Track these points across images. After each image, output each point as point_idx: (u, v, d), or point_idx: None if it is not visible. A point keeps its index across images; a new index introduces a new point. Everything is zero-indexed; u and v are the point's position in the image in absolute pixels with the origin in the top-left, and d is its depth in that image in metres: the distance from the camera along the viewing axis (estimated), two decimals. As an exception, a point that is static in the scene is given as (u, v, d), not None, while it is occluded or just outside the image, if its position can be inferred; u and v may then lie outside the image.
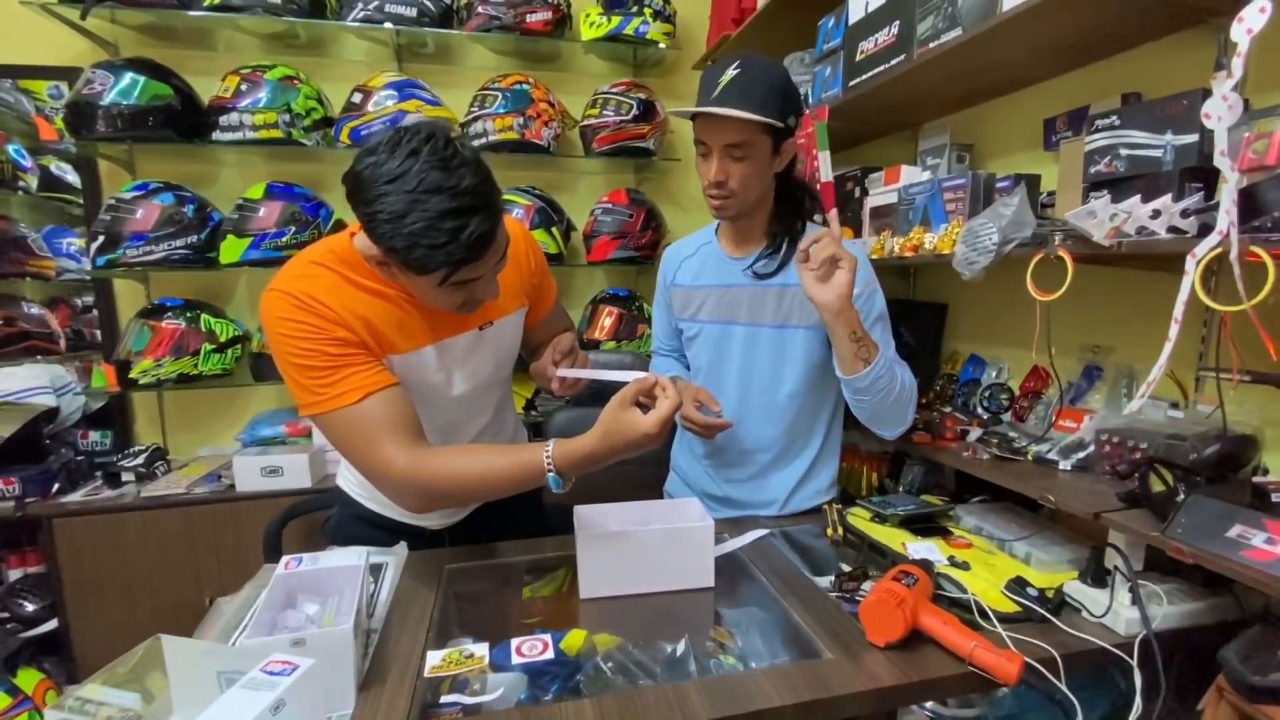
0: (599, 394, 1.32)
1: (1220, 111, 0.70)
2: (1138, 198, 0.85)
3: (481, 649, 0.88)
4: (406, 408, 0.96)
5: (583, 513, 1.08)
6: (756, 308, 1.23)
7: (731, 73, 1.07)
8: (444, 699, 0.80)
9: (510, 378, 1.26)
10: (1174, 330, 0.76)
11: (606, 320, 2.27)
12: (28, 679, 1.74)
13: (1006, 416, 1.39)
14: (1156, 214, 0.83)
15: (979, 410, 1.44)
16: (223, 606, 1.08)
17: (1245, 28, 0.67)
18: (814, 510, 1.32)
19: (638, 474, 1.31)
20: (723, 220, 1.24)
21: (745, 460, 1.29)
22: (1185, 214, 0.82)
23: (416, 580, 1.07)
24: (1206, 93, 0.88)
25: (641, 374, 0.94)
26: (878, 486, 1.76)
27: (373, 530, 1.21)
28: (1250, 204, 0.71)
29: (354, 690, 0.78)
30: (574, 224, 2.33)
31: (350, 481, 1.24)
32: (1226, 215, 0.70)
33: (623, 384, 0.94)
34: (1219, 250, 0.71)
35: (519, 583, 1.14)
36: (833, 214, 1.03)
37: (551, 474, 0.90)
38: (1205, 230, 0.82)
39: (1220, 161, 0.70)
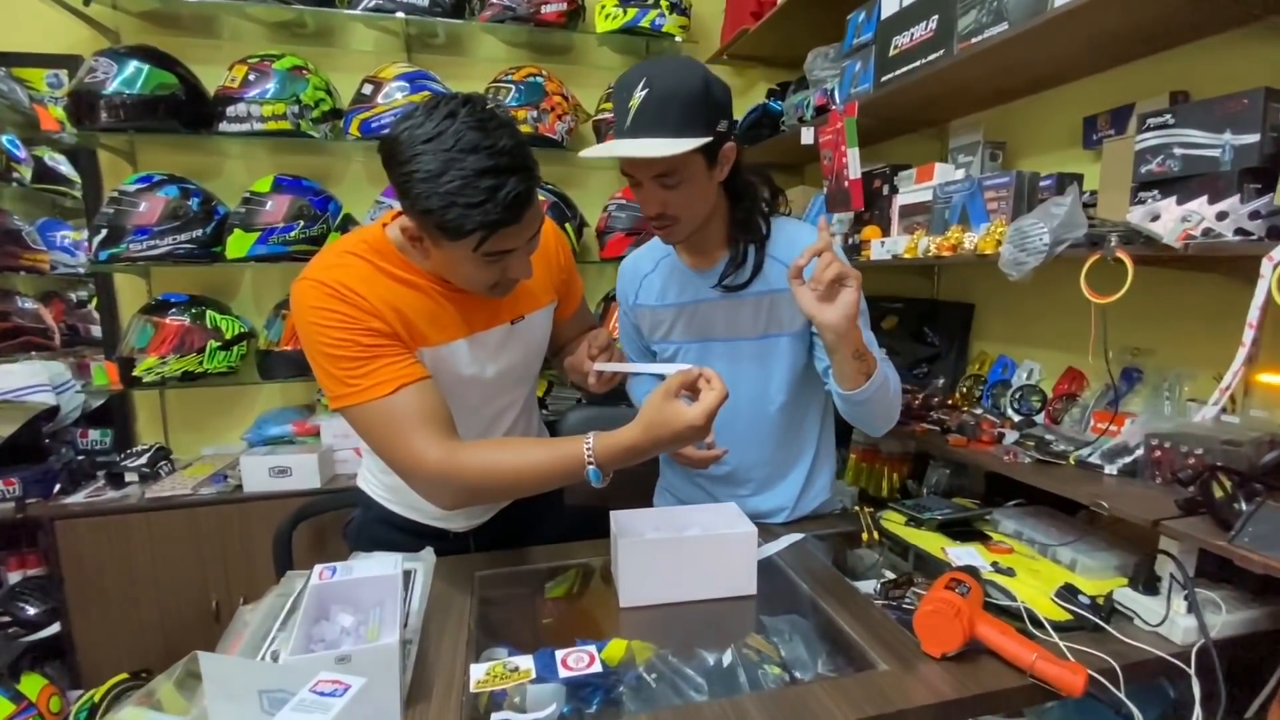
0: (616, 392, 1.29)
1: (1306, 110, 0.67)
2: (1203, 199, 0.83)
3: (526, 662, 0.85)
4: (439, 401, 0.94)
5: (620, 518, 1.05)
6: (733, 320, 1.16)
7: (639, 95, 0.95)
8: (493, 717, 0.77)
9: (537, 375, 1.24)
10: (1249, 335, 0.74)
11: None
12: (31, 685, 1.69)
13: (1039, 418, 1.37)
14: (1223, 216, 0.81)
15: (1009, 412, 1.42)
16: (245, 615, 1.05)
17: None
18: (827, 514, 1.30)
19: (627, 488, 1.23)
20: (672, 243, 1.15)
21: (741, 481, 1.24)
22: (1254, 216, 0.80)
23: (448, 588, 1.04)
24: (1272, 91, 0.87)
25: (683, 366, 0.91)
26: (900, 488, 1.74)
27: (396, 534, 1.18)
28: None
29: (400, 707, 0.75)
30: (586, 220, 2.29)
31: (372, 483, 1.21)
32: (1310, 218, 0.68)
33: (662, 377, 0.91)
34: (1299, 254, 0.69)
35: (553, 597, 1.11)
36: (823, 220, 0.96)
37: (592, 466, 0.87)
38: (1275, 233, 0.80)
39: (1305, 162, 0.68)
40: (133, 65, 1.77)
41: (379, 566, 0.92)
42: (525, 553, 1.17)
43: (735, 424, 1.18)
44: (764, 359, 1.17)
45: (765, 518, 1.26)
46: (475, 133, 0.80)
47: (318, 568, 0.91)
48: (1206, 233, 0.82)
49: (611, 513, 1.06)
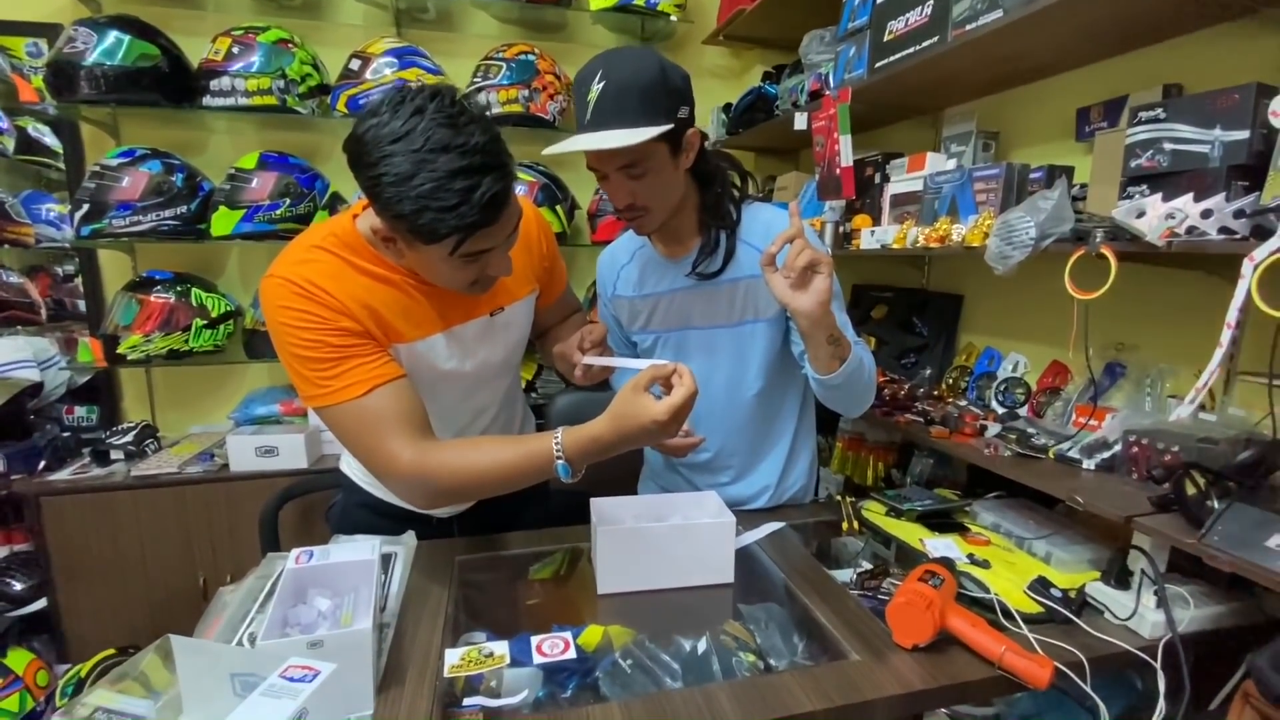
0: (605, 380, 1.29)
1: (1292, 110, 0.66)
2: (1189, 196, 0.82)
3: (501, 647, 0.86)
4: (413, 400, 0.92)
5: (600, 505, 1.06)
6: (709, 309, 1.16)
7: (596, 88, 0.94)
8: (466, 701, 0.78)
9: (520, 365, 1.23)
10: (1227, 336, 0.74)
11: (610, 302, 2.22)
12: (18, 659, 1.70)
13: (1022, 411, 1.37)
14: (1208, 214, 0.80)
15: (993, 404, 1.42)
16: (225, 596, 1.05)
17: (1327, 21, 0.63)
18: (808, 502, 1.30)
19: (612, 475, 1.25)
20: (645, 234, 1.15)
21: (718, 467, 1.25)
22: (1238, 215, 0.79)
23: (427, 572, 1.05)
24: (1263, 87, 0.86)
25: (661, 363, 0.91)
26: (884, 477, 1.75)
27: (378, 518, 1.18)
28: (1315, 208, 0.69)
29: (372, 690, 0.76)
30: (578, 202, 2.26)
31: (354, 468, 1.21)
32: (1291, 220, 0.67)
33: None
34: (1277, 257, 0.69)
35: (531, 577, 1.12)
36: (793, 205, 0.94)
37: (560, 461, 0.87)
38: (1259, 232, 0.80)
39: (1289, 163, 0.67)
40: (113, 35, 1.73)
41: (356, 551, 0.92)
42: (507, 538, 1.17)
43: (713, 410, 1.19)
44: (740, 346, 1.17)
45: (747, 503, 1.27)
46: (445, 130, 0.76)
47: (295, 551, 0.92)
48: (1191, 230, 0.81)
49: (592, 500, 1.06)
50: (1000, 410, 1.39)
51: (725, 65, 2.44)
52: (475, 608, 1.02)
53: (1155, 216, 0.82)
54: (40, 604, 1.83)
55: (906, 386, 1.54)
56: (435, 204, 0.76)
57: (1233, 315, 0.73)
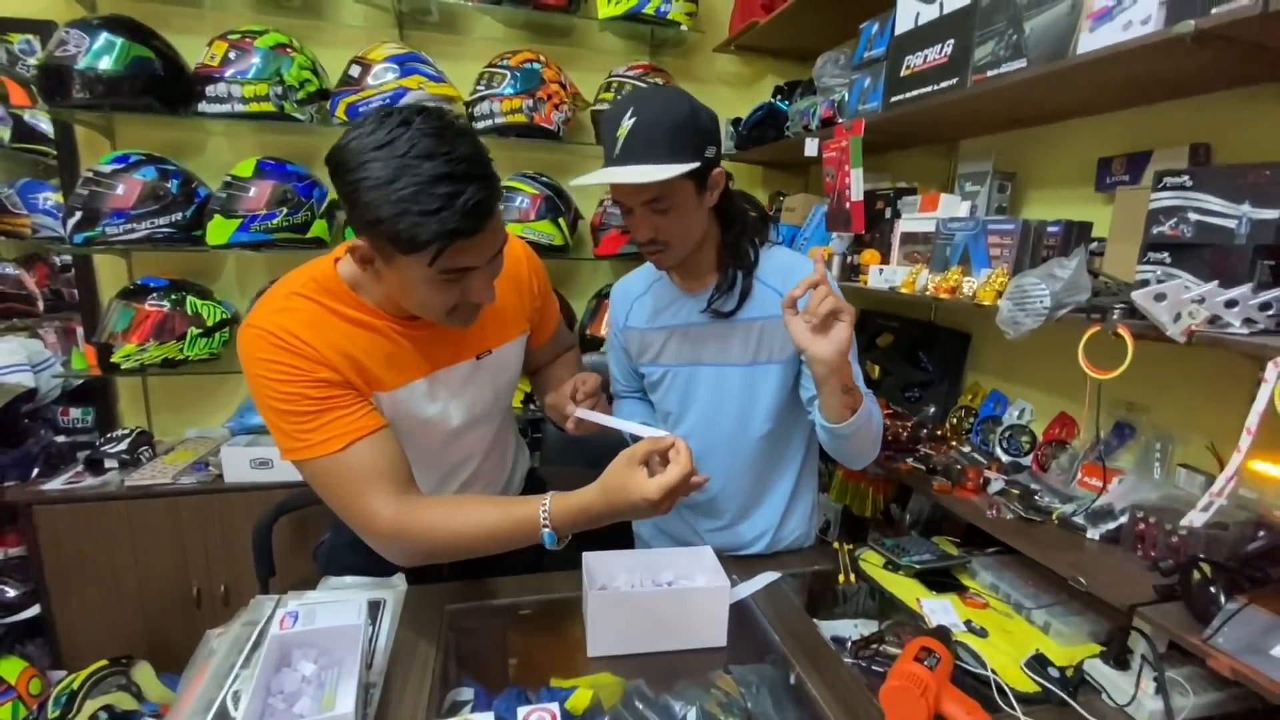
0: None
1: (1331, 216, 0.63)
2: (1213, 285, 0.78)
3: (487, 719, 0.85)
4: (395, 453, 0.90)
5: (591, 562, 1.04)
6: (722, 346, 1.14)
7: (627, 124, 0.95)
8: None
9: (510, 409, 1.20)
10: (1245, 441, 0.71)
11: (611, 316, 2.19)
12: (10, 668, 1.71)
13: (1026, 460, 1.35)
14: (1232, 304, 0.77)
15: (997, 450, 1.40)
16: (212, 641, 1.04)
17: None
18: (804, 548, 1.28)
19: None
20: (665, 269, 1.14)
21: (715, 509, 1.23)
22: (1264, 308, 0.76)
23: (416, 625, 1.03)
24: (1297, 166, 0.82)
25: (662, 433, 0.88)
26: (884, 510, 1.73)
27: (366, 557, 1.16)
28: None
29: (355, 772, 0.74)
30: (581, 212, 2.22)
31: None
32: (1323, 330, 0.64)
33: (637, 438, 0.88)
34: (1308, 365, 0.66)
35: (522, 627, 1.11)
36: (818, 254, 0.93)
37: (547, 530, 0.85)
38: (1284, 327, 0.77)
39: (1324, 272, 0.63)
40: (104, 37, 1.68)
41: (343, 613, 0.91)
42: (497, 585, 1.15)
43: (717, 450, 1.18)
44: (751, 386, 1.15)
45: (744, 548, 1.25)
46: (431, 139, 0.74)
47: (280, 612, 0.90)
48: (1214, 320, 0.78)
49: (584, 555, 1.04)
50: (1004, 459, 1.37)
51: (736, 73, 2.38)
52: (464, 660, 1.01)
53: (1176, 302, 0.79)
54: (34, 611, 1.83)
55: (910, 425, 1.51)
56: (416, 207, 0.73)
57: (1253, 421, 0.70)
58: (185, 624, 1.88)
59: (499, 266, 0.90)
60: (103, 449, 1.87)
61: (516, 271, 1.07)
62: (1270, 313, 0.75)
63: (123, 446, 1.89)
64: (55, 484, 1.80)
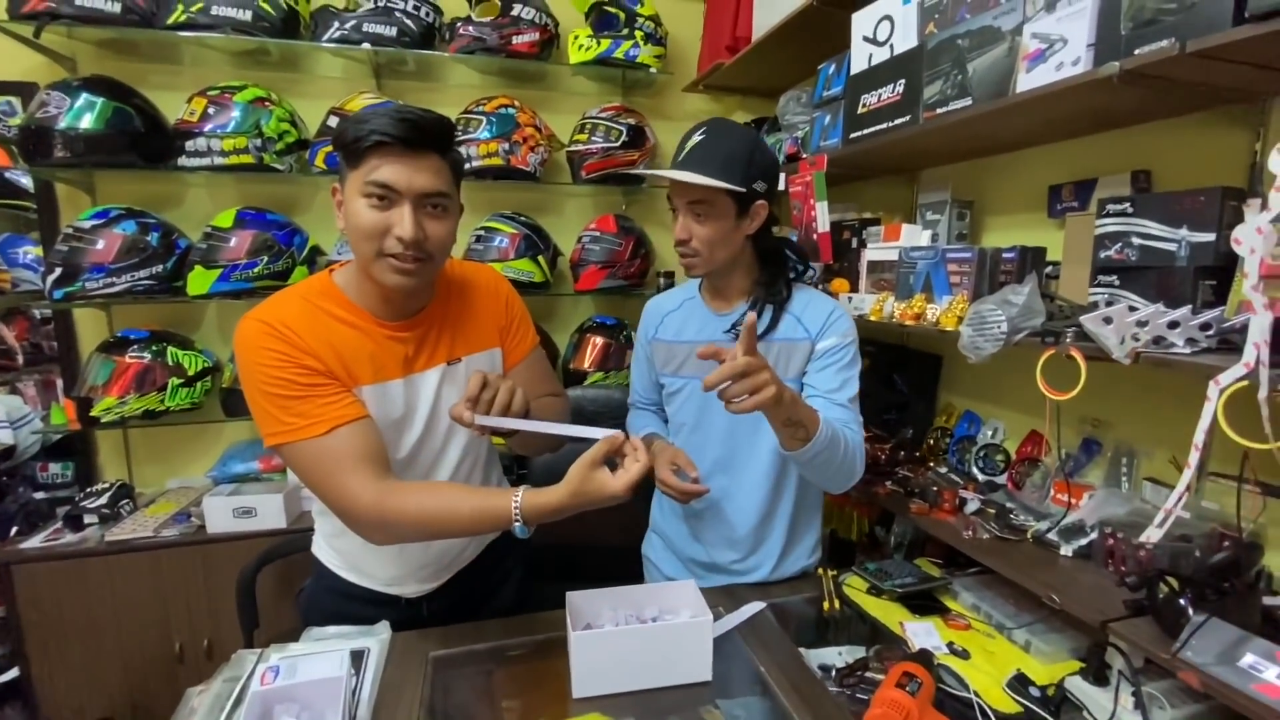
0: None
1: (1254, 242, 0.67)
2: (1156, 306, 0.82)
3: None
4: (375, 441, 0.95)
5: (575, 601, 1.04)
6: None
7: (697, 137, 1.10)
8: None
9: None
10: (1194, 457, 0.73)
11: (593, 350, 2.22)
12: (-14, 735, 1.66)
13: (1001, 479, 1.37)
14: (1175, 324, 0.80)
15: (974, 470, 1.42)
16: (193, 700, 1.03)
17: (1284, 162, 0.63)
18: (804, 574, 1.30)
19: (617, 521, 1.27)
20: (693, 276, 1.24)
21: (728, 524, 1.25)
22: (1204, 328, 0.79)
23: (400, 673, 1.02)
24: (1226, 191, 0.87)
25: (610, 432, 0.89)
26: (868, 533, 1.74)
27: (349, 603, 1.16)
28: (1278, 336, 0.69)
29: (336, 831, 0.74)
30: (560, 249, 2.26)
31: (324, 548, 1.19)
32: (1255, 350, 0.67)
33: (589, 440, 0.89)
34: (1244, 384, 0.69)
35: (509, 670, 1.10)
36: (748, 324, 0.92)
37: (519, 524, 0.89)
38: (1225, 345, 0.80)
39: (1252, 295, 0.67)
40: (85, 97, 1.71)
41: (325, 665, 0.90)
42: (483, 628, 1.15)
43: (730, 462, 1.22)
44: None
45: (742, 576, 1.27)
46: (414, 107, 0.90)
47: (260, 667, 0.90)
48: (1158, 340, 0.81)
49: (568, 595, 1.05)
50: (980, 478, 1.39)
51: (706, 110, 2.45)
52: (451, 706, 1.00)
53: (1122, 325, 0.82)
54: (12, 674, 1.78)
55: (888, 448, 1.54)
56: (365, 122, 0.87)
57: (1200, 437, 0.73)
58: (168, 681, 1.84)
59: (436, 230, 0.94)
60: (82, 504, 1.85)
61: (492, 292, 1.16)
62: (1210, 333, 0.79)
63: (103, 501, 1.87)
64: (34, 542, 1.77)
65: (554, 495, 0.88)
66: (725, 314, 1.23)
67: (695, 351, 1.19)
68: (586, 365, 2.20)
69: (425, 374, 1.06)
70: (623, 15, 2.09)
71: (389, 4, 1.91)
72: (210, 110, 1.79)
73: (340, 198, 0.94)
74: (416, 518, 0.91)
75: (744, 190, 1.09)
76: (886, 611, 1.18)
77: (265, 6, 1.81)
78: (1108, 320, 0.84)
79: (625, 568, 1.41)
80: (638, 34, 2.08)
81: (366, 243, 0.92)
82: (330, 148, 1.88)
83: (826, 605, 1.21)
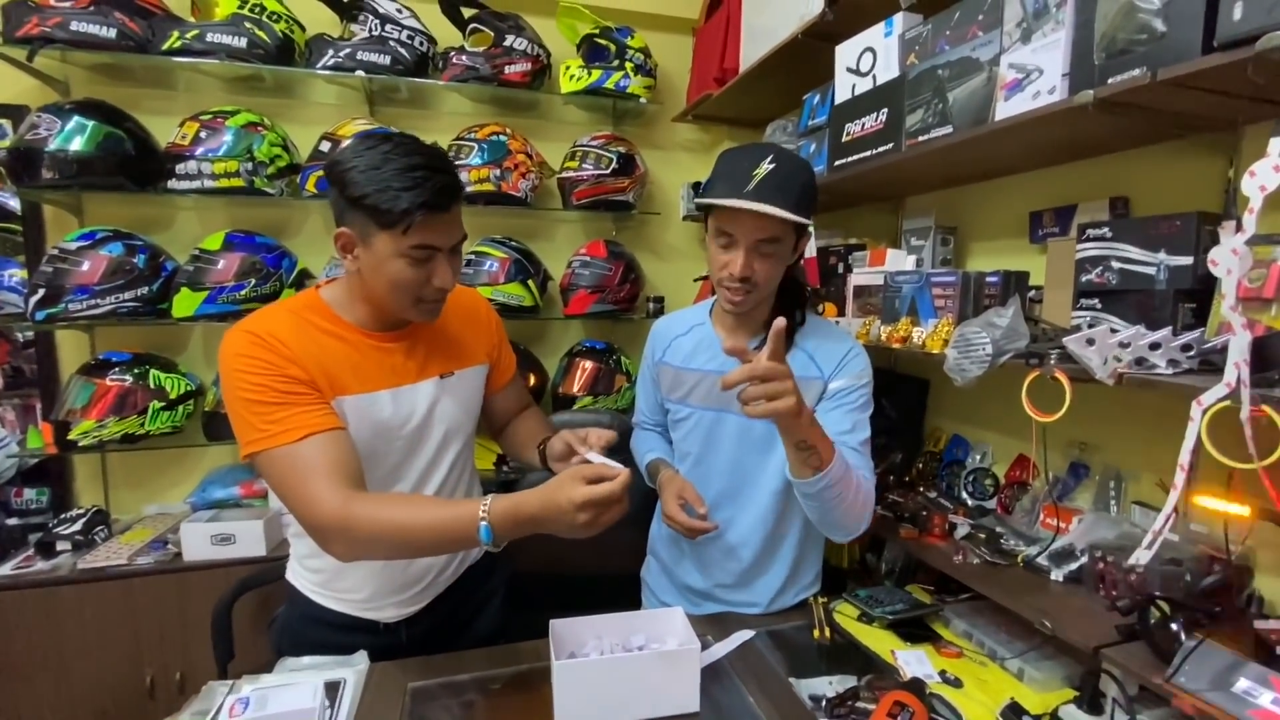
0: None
1: (1230, 264, 0.68)
2: (1138, 328, 0.83)
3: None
4: (347, 453, 0.95)
5: (559, 630, 1.01)
6: None
7: (767, 166, 1.02)
8: None
9: (472, 438, 1.23)
10: (1180, 477, 0.73)
11: (582, 374, 2.21)
12: (-58, 775, 1.58)
13: (990, 503, 1.37)
14: (1156, 346, 0.81)
15: (963, 495, 1.41)
16: (161, 734, 0.99)
17: (1258, 183, 0.65)
18: (799, 605, 1.28)
19: (621, 545, 1.28)
20: (736, 312, 1.15)
21: (729, 555, 1.23)
22: (1185, 349, 0.80)
23: (377, 707, 0.98)
24: (1202, 215, 0.88)
25: (620, 469, 0.88)
26: (859, 560, 1.72)
27: (323, 630, 1.13)
28: (1259, 356, 0.69)
29: None
30: (550, 274, 2.27)
31: (299, 572, 1.17)
32: (1235, 369, 0.67)
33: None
34: (1226, 404, 0.69)
35: (491, 701, 1.06)
36: (774, 334, 0.92)
37: (484, 522, 0.85)
38: (1206, 365, 0.81)
39: (1230, 315, 0.68)
40: (77, 120, 1.71)
41: (296, 696, 0.87)
42: (463, 658, 1.12)
43: (734, 494, 1.20)
44: (772, 435, 1.16)
45: (739, 608, 1.25)
46: (411, 144, 0.93)
47: (229, 699, 0.86)
48: (1140, 362, 0.82)
49: (551, 622, 1.02)
50: (970, 502, 1.38)
51: (695, 139, 2.49)
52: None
53: (1105, 347, 0.83)
54: (-27, 709, 1.71)
55: (878, 473, 1.52)
56: (397, 184, 0.88)
57: (1185, 457, 0.73)
58: (137, 716, 1.77)
59: (459, 263, 1.02)
60: (55, 530, 1.80)
61: (476, 308, 1.21)
62: (1191, 354, 0.79)
63: (77, 527, 1.82)
64: (4, 569, 1.72)
65: (523, 494, 0.87)
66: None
67: (704, 380, 1.21)
68: (575, 389, 2.19)
69: (418, 386, 1.07)
70: (613, 47, 2.14)
71: (384, 33, 1.94)
72: (202, 134, 1.80)
73: (358, 250, 0.95)
74: (382, 524, 0.88)
75: (809, 223, 1.05)
76: (878, 639, 1.16)
77: (261, 34, 1.83)
78: (1090, 342, 0.84)
79: (622, 594, 1.38)
80: (628, 65, 2.13)
81: (404, 294, 0.96)
82: (321, 174, 1.89)
83: (817, 633, 1.19)
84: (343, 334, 1.01)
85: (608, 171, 2.13)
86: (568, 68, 2.10)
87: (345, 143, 0.96)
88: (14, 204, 2.03)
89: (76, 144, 1.71)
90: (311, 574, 1.14)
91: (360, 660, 1.08)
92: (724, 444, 1.20)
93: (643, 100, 2.18)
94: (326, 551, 0.93)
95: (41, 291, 1.72)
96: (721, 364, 1.19)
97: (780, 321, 0.87)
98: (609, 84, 2.10)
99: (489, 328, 1.21)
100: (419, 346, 1.08)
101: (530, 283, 2.12)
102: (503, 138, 2.05)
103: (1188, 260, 0.89)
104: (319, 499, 0.88)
